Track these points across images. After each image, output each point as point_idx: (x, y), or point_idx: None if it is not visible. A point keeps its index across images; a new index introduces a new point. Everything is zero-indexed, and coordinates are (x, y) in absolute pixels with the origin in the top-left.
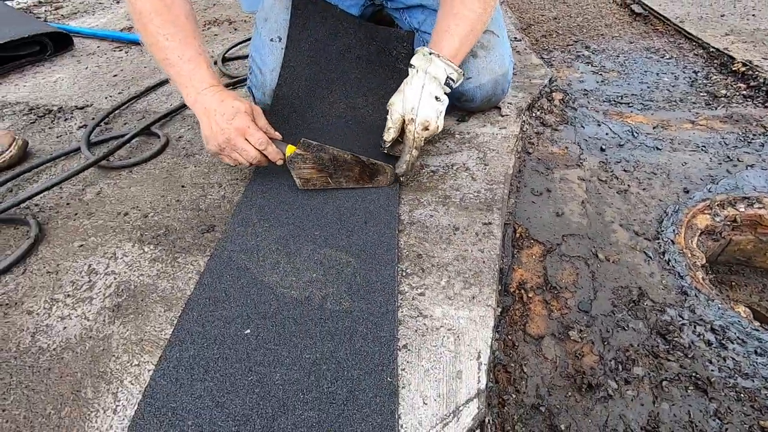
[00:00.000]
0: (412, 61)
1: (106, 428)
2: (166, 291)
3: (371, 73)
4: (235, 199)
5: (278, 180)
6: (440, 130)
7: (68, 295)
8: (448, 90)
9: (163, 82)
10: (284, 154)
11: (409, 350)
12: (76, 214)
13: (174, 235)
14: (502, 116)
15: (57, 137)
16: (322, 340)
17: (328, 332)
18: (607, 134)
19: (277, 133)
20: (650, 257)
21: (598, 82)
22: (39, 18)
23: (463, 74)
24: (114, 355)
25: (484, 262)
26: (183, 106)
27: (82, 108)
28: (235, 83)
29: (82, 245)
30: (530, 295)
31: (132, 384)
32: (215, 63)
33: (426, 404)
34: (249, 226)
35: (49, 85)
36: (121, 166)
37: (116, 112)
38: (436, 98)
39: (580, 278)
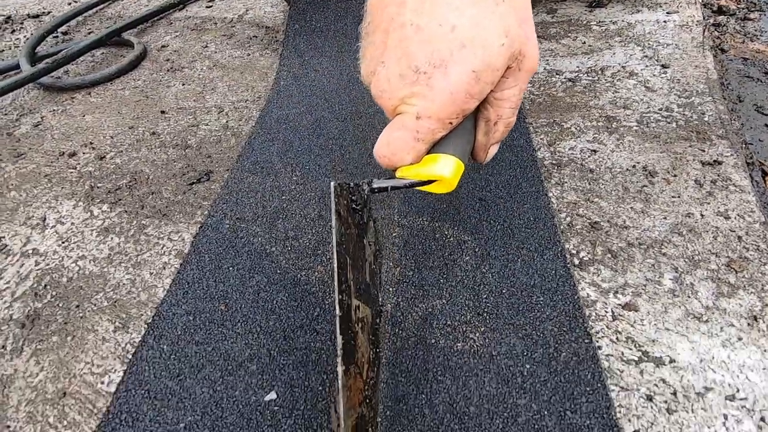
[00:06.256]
0: None
1: None
2: (121, 291)
3: None
4: (244, 131)
5: (302, 103)
6: None
7: None
8: None
9: None
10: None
11: None
12: None
13: (144, 187)
14: None
15: None
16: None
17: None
18: None
19: None
20: None
21: None
22: None
23: None
24: (8, 426)
25: (740, 238)
26: (168, 8)
27: (36, 17)
28: None
29: None
30: None
31: None
32: None
33: None
34: (268, 175)
35: None
36: (73, 85)
37: (79, 18)
38: None
39: None
